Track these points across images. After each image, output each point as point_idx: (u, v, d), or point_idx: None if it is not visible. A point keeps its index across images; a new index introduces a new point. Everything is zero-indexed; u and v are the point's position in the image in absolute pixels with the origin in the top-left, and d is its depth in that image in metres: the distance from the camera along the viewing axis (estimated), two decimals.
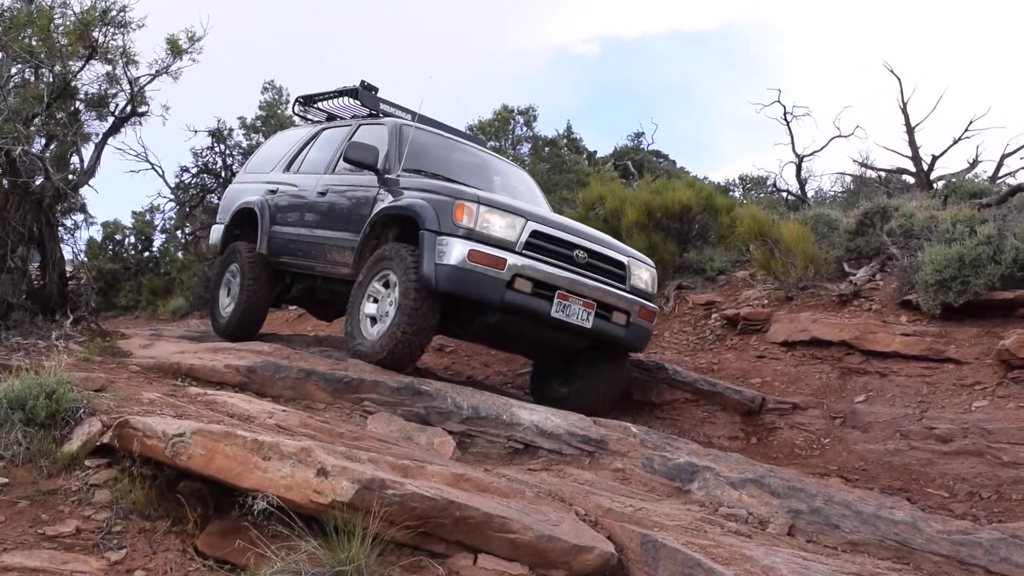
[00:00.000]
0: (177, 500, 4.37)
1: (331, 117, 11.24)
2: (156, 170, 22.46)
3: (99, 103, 11.29)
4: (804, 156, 23.18)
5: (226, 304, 10.56)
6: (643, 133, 29.56)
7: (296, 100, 11.51)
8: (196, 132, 22.39)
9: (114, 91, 11.40)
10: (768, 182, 25.31)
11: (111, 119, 11.38)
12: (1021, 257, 9.01)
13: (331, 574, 3.69)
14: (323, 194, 9.58)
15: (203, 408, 5.54)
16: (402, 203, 8.18)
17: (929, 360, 8.91)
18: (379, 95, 10.41)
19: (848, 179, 24.21)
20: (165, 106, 12.41)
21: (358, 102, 10.40)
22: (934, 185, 19.97)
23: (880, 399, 8.70)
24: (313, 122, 11.45)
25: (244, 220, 10.78)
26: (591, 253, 8.09)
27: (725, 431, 8.55)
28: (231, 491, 4.27)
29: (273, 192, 10.47)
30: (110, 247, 26.18)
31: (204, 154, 22.93)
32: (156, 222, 25.42)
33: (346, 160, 8.90)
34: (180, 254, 25.34)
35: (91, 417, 4.89)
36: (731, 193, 24.28)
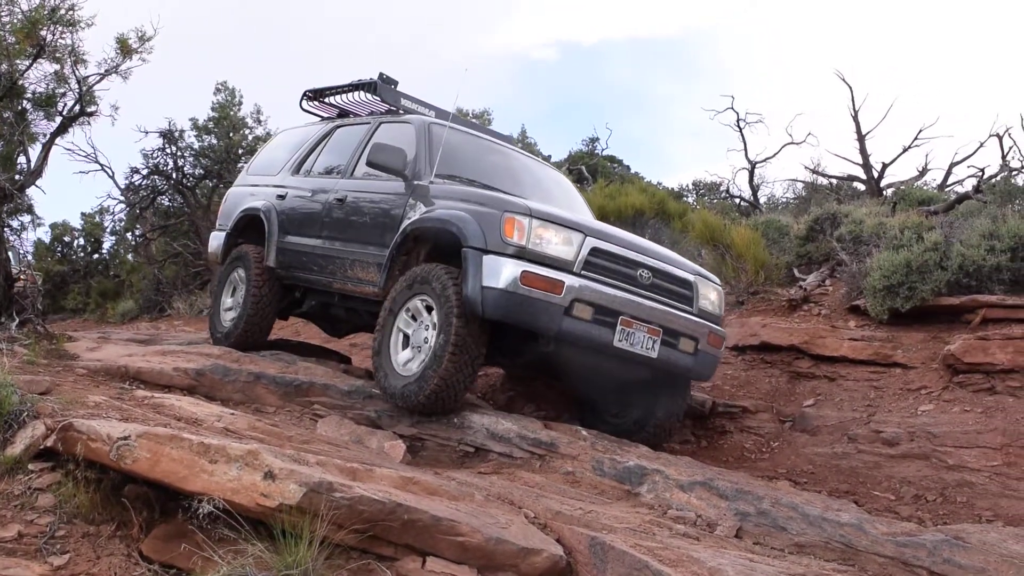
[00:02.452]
0: (122, 504, 4.33)
1: (343, 113, 10.14)
2: (106, 171, 22.20)
3: (47, 102, 11.20)
4: (757, 162, 23.36)
5: (229, 313, 9.64)
6: (598, 138, 29.61)
7: (304, 94, 10.29)
8: (147, 133, 22.20)
9: (62, 90, 11.31)
10: (721, 188, 25.49)
11: (59, 119, 11.29)
12: (967, 264, 9.15)
13: None
14: (341, 201, 8.53)
15: (150, 411, 5.50)
16: (438, 215, 7.26)
17: (877, 364, 9.03)
18: (399, 89, 9.40)
19: (800, 186, 24.44)
20: (114, 106, 12.38)
21: (376, 97, 9.33)
22: (884, 192, 20.22)
23: (828, 403, 8.80)
24: (323, 118, 10.37)
25: (248, 227, 9.86)
26: (656, 272, 7.20)
27: (675, 434, 8.60)
28: (177, 495, 4.24)
29: (282, 197, 9.50)
30: (58, 249, 25.99)
31: (155, 155, 22.70)
32: (106, 224, 25.26)
33: (369, 164, 7.85)
34: (130, 256, 25.15)
35: (35, 420, 4.82)
36: (684, 199, 24.43)
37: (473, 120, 9.76)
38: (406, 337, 7.16)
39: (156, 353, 8.01)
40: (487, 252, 6.61)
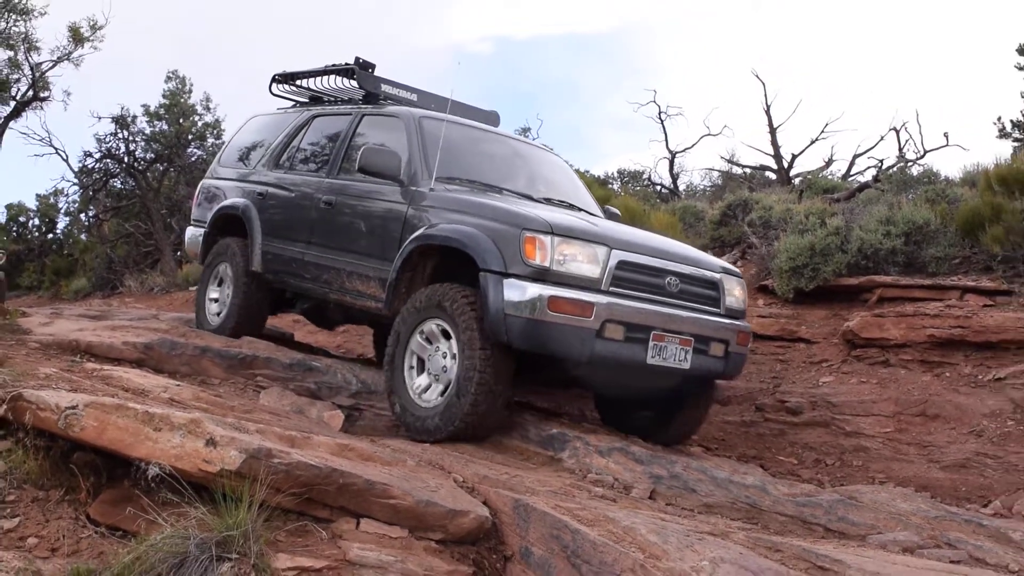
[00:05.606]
0: (70, 470, 4.27)
1: (315, 97, 9.23)
2: (60, 154, 21.81)
3: (1, 87, 10.96)
4: (676, 152, 23.56)
5: (215, 307, 8.77)
6: (529, 128, 29.56)
7: (273, 78, 9.28)
8: (100, 118, 21.81)
9: (16, 76, 11.10)
10: (644, 176, 25.69)
11: (13, 103, 11.08)
12: (865, 247, 9.33)
13: (219, 539, 3.65)
14: (330, 205, 7.58)
15: (98, 383, 5.41)
16: (448, 232, 6.32)
17: (783, 340, 9.20)
18: (376, 74, 8.43)
19: (716, 174, 24.71)
20: (67, 92, 12.23)
21: (353, 83, 8.40)
22: (793, 181, 20.53)
23: (739, 375, 8.92)
24: (296, 103, 9.40)
25: (227, 225, 8.84)
26: (683, 277, 6.39)
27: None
28: (123, 461, 4.19)
29: (262, 195, 8.47)
30: (14, 228, 25.51)
31: (107, 140, 22.32)
32: (60, 205, 24.92)
33: (361, 170, 6.92)
34: (83, 236, 24.80)
35: None
36: (609, 185, 24.56)
37: (456, 99, 8.53)
38: (421, 362, 6.34)
39: (106, 328, 7.88)
40: (507, 276, 5.78)
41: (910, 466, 7.09)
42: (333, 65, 8.55)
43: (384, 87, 8.37)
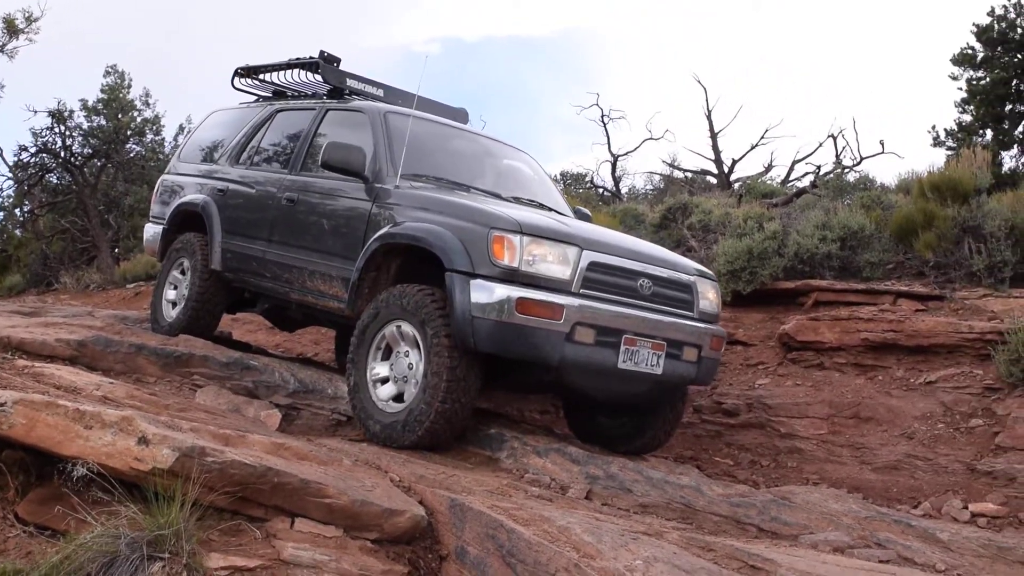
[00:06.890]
0: None
1: (278, 92, 9.03)
2: None
3: None
4: (619, 156, 23.75)
5: (172, 306, 8.53)
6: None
7: (236, 71, 9.02)
8: (35, 112, 21.40)
9: None
10: (586, 178, 25.86)
11: None
12: (802, 251, 9.47)
13: (150, 538, 3.60)
14: (292, 202, 7.41)
15: (29, 380, 5.32)
16: (414, 230, 6.14)
17: None
18: (342, 68, 8.23)
19: (657, 178, 24.93)
20: (0, 84, 11.91)
21: (318, 77, 8.24)
22: (733, 185, 20.78)
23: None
24: (261, 98, 9.18)
25: (186, 221, 8.68)
26: (656, 280, 6.23)
27: (536, 405, 8.69)
28: (53, 459, 4.13)
29: (222, 192, 8.32)
30: None
31: (43, 134, 21.91)
32: None
33: (325, 166, 6.71)
34: (18, 232, 24.35)
35: None
36: None
37: (422, 96, 8.32)
38: (384, 365, 6.15)
39: (39, 324, 7.74)
40: (474, 276, 5.60)
41: (843, 467, 7.21)
42: (297, 59, 8.38)
43: (350, 81, 8.20)
